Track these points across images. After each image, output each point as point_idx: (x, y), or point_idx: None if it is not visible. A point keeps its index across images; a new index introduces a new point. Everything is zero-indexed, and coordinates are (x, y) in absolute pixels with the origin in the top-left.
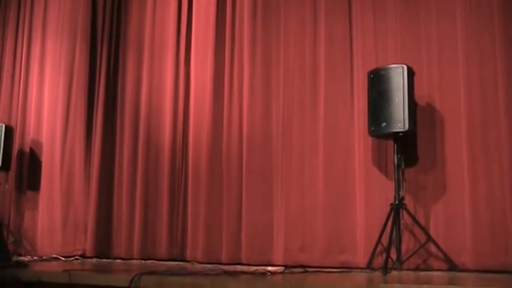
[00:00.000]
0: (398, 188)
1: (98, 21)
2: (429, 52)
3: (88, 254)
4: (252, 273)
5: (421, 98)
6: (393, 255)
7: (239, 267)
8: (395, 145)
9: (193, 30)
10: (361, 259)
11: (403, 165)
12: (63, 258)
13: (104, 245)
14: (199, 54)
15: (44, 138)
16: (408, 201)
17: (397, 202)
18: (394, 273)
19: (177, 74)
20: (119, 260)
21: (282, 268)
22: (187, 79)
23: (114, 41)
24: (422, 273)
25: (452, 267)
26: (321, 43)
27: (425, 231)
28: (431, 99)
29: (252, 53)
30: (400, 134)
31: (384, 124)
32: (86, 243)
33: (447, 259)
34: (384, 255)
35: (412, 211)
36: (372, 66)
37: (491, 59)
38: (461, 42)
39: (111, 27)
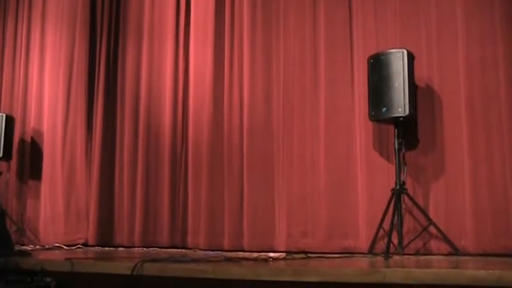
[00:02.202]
0: (399, 173)
1: (97, 8)
2: (429, 34)
3: (90, 243)
4: (254, 259)
5: (420, 81)
6: (395, 240)
7: (241, 254)
8: (395, 130)
9: (192, 16)
10: (363, 244)
11: (403, 150)
12: (65, 247)
13: (106, 233)
14: (199, 40)
15: (45, 127)
16: (409, 185)
17: (398, 187)
18: (396, 257)
19: (177, 60)
20: (121, 248)
21: (284, 254)
22: (186, 65)
23: (114, 28)
24: (423, 257)
25: (453, 251)
26: (321, 27)
27: (426, 216)
28: (431, 81)
29: (252, 38)
30: (401, 119)
31: (384, 109)
32: (88, 231)
33: (449, 243)
34: (386, 240)
35: (413, 195)
36: (372, 50)
37: (491, 40)
38: (461, 24)
39: (110, 15)
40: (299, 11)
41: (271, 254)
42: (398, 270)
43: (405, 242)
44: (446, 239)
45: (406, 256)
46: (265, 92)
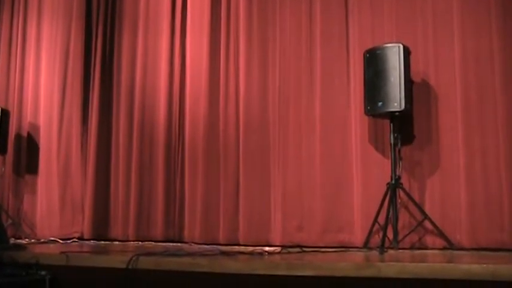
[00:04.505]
0: (394, 167)
1: (93, 1)
2: (425, 28)
3: (85, 236)
4: (250, 253)
5: (416, 75)
6: (390, 234)
7: (236, 248)
8: (391, 124)
9: (188, 7)
10: (358, 238)
11: (399, 144)
12: (60, 241)
13: (101, 227)
14: (195, 31)
15: (41, 121)
16: (404, 179)
17: (393, 181)
18: (391, 252)
19: (173, 53)
20: (116, 242)
21: (279, 248)
22: (183, 58)
23: (110, 20)
24: (418, 251)
25: (448, 245)
26: (317, 22)
27: (421, 210)
28: (426, 76)
29: (248, 31)
30: (396, 113)
31: (380, 103)
32: (84, 225)
33: (443, 237)
34: (381, 235)
35: (408, 189)
36: (369, 44)
37: (487, 34)
38: (456, 18)
39: (106, 7)
40: (295, 3)
41: (267, 248)
42: (393, 264)
43: (400, 236)
44: (441, 233)
45: (401, 250)
46: (261, 86)
